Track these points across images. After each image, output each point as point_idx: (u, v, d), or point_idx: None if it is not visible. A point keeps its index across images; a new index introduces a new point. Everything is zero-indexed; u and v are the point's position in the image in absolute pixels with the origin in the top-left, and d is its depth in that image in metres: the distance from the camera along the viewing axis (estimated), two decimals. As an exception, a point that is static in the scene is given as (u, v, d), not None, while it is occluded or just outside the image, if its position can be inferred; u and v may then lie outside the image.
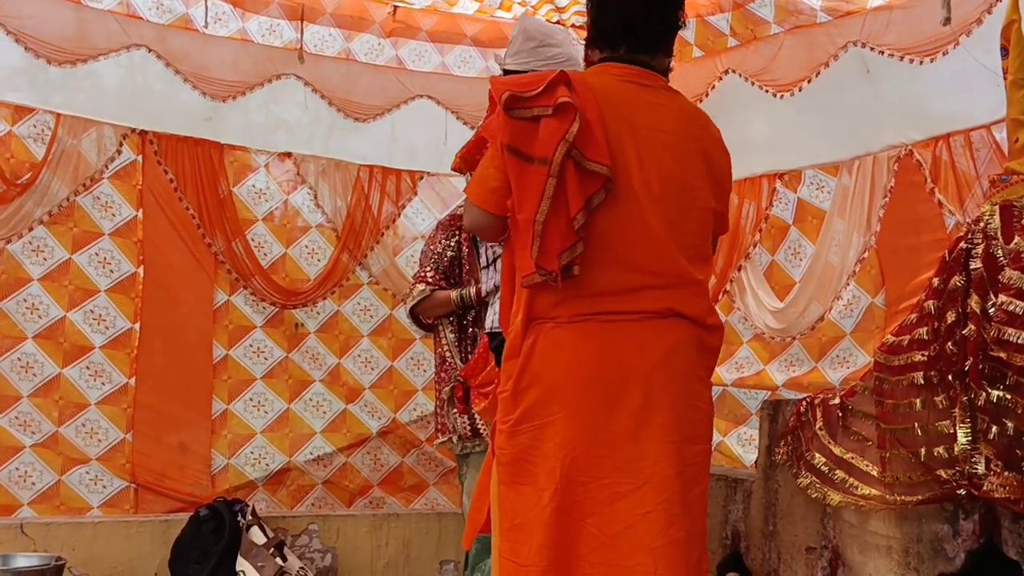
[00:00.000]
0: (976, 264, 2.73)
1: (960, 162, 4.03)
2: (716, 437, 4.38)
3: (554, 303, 2.28)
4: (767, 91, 4.79)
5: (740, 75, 4.93)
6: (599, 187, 2.23)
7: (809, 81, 4.60)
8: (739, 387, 4.88)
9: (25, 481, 4.51)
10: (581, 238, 2.22)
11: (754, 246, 4.97)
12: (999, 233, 2.72)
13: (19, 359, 4.56)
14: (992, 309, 2.65)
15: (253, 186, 5.18)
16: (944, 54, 4.01)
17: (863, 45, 4.34)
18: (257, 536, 4.15)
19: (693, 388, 2.37)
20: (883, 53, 4.25)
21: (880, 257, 4.40)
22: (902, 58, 4.19)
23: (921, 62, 4.10)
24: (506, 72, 3.27)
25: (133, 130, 4.85)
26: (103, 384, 4.73)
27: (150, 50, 4.86)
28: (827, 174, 4.69)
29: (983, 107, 3.88)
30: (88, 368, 4.70)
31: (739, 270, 5.01)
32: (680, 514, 2.25)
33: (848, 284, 4.50)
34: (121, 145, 4.82)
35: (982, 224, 2.78)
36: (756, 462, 3.83)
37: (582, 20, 5.47)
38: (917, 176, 4.22)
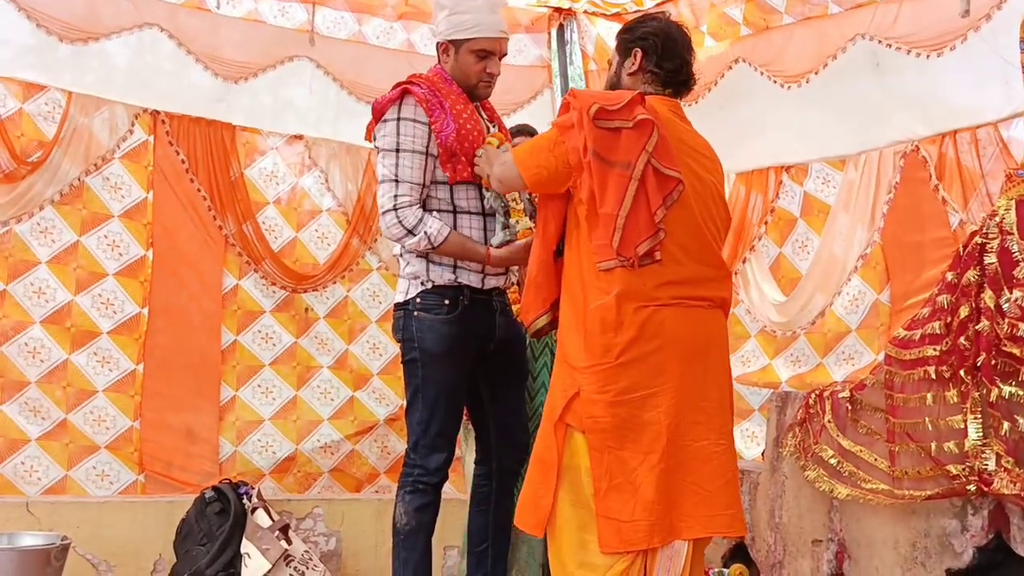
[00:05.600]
0: (991, 259, 2.72)
1: (966, 159, 4.01)
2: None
3: (654, 286, 2.62)
4: (775, 81, 4.77)
5: (750, 64, 4.90)
6: (673, 189, 2.63)
7: (817, 73, 4.58)
8: (743, 383, 4.88)
9: (31, 475, 4.48)
10: (662, 229, 2.61)
11: (759, 239, 4.95)
12: (1015, 228, 2.71)
13: (26, 344, 4.52)
14: (1006, 304, 2.64)
15: (264, 168, 5.16)
16: (952, 48, 3.99)
17: (872, 38, 4.30)
18: (262, 519, 4.14)
19: (729, 367, 2.86)
20: (891, 46, 4.23)
21: (885, 253, 4.39)
22: (909, 51, 4.16)
23: (929, 56, 4.08)
24: (438, 44, 3.35)
25: (145, 110, 4.81)
26: (110, 371, 4.69)
27: (162, 29, 4.83)
28: (833, 168, 4.66)
29: (991, 104, 3.87)
30: (96, 354, 4.67)
31: (744, 262, 4.99)
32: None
33: (850, 279, 4.48)
34: (133, 125, 4.79)
35: (997, 219, 2.77)
36: (763, 454, 3.82)
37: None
38: (922, 172, 4.21)
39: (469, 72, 3.26)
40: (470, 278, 3.22)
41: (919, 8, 4.15)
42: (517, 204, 3.22)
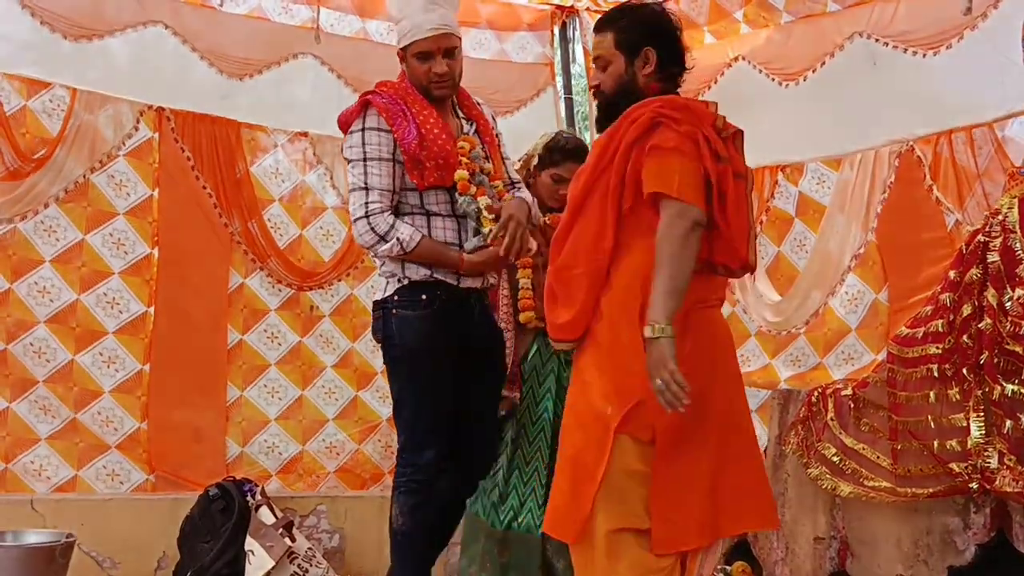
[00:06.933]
0: (994, 257, 2.73)
1: (961, 159, 4.00)
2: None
3: (712, 288, 2.65)
4: (774, 79, 4.76)
5: (749, 62, 4.89)
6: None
7: (814, 71, 4.57)
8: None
9: (41, 474, 4.47)
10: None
11: (755, 237, 4.94)
12: (1017, 226, 2.72)
13: (31, 344, 4.49)
14: (1009, 303, 2.65)
15: (269, 166, 5.15)
16: (948, 47, 3.98)
17: (869, 36, 4.30)
18: (266, 516, 4.15)
19: (738, 361, 2.87)
20: (888, 44, 4.22)
21: (882, 253, 4.38)
22: (906, 50, 4.15)
23: (925, 55, 4.07)
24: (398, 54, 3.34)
25: (150, 107, 4.79)
26: (116, 371, 4.67)
27: (166, 26, 4.81)
28: (829, 167, 4.65)
29: (987, 104, 3.87)
30: (101, 354, 4.64)
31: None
32: None
33: (845, 278, 4.47)
34: (138, 122, 4.77)
35: (1000, 217, 2.78)
36: (765, 451, 3.82)
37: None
38: (918, 172, 4.20)
39: (418, 76, 3.24)
40: (446, 275, 3.20)
41: (917, 6, 4.14)
42: (487, 215, 3.18)
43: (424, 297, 3.17)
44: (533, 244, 3.27)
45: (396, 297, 3.19)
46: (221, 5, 4.95)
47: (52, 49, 4.54)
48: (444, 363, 3.21)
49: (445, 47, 3.21)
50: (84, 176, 4.63)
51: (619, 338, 2.57)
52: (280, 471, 5.01)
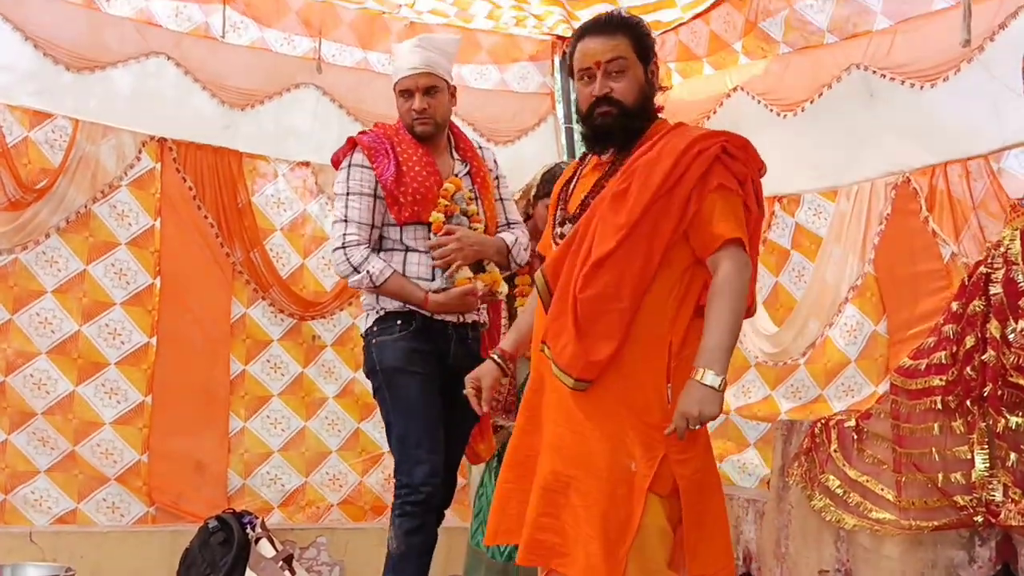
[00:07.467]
0: (996, 289, 2.72)
1: (956, 191, 4.00)
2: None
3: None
4: (772, 110, 4.77)
5: (748, 92, 4.91)
6: None
7: (812, 102, 4.58)
8: (743, 415, 4.86)
9: (41, 505, 4.46)
10: None
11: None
12: (1020, 258, 2.71)
13: (31, 375, 4.49)
14: (1012, 335, 2.64)
15: (270, 195, 5.17)
16: (945, 79, 3.99)
17: (867, 68, 4.31)
18: (266, 549, 4.14)
19: None
20: (885, 76, 4.23)
21: (880, 285, 4.37)
22: (903, 82, 4.16)
23: (923, 87, 4.08)
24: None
25: (152, 137, 4.82)
26: (118, 403, 4.66)
27: (168, 58, 4.84)
28: (825, 198, 4.65)
29: (982, 136, 3.87)
30: (103, 385, 4.64)
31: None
32: None
33: (842, 310, 4.46)
34: (140, 152, 4.79)
35: (1002, 249, 2.77)
36: (769, 482, 3.80)
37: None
38: (913, 204, 4.19)
39: (403, 113, 3.46)
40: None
41: (914, 38, 4.16)
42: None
43: (399, 323, 3.32)
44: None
45: (375, 328, 3.37)
46: (223, 36, 4.97)
47: (54, 80, 4.57)
48: (424, 379, 3.28)
49: (424, 85, 3.39)
50: (86, 206, 4.65)
51: (642, 387, 2.43)
52: (282, 503, 4.99)
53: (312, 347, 5.17)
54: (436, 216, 3.33)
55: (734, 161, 2.44)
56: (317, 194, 5.26)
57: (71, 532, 4.36)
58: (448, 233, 3.31)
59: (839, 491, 3.19)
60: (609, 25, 2.55)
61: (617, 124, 2.52)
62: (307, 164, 5.24)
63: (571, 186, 2.68)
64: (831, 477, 3.24)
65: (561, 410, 2.49)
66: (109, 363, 4.67)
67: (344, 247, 3.29)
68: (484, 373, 2.79)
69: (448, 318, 3.35)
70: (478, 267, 3.39)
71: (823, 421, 3.41)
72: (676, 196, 2.40)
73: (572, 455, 2.45)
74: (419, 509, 3.23)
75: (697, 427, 2.30)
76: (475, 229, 3.39)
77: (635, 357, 2.42)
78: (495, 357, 2.80)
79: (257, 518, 4.33)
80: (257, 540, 4.17)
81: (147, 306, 4.78)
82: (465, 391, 2.79)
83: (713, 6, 4.87)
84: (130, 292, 4.74)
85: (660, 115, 2.62)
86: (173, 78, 4.88)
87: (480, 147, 3.65)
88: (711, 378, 2.29)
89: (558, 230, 2.62)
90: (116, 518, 4.58)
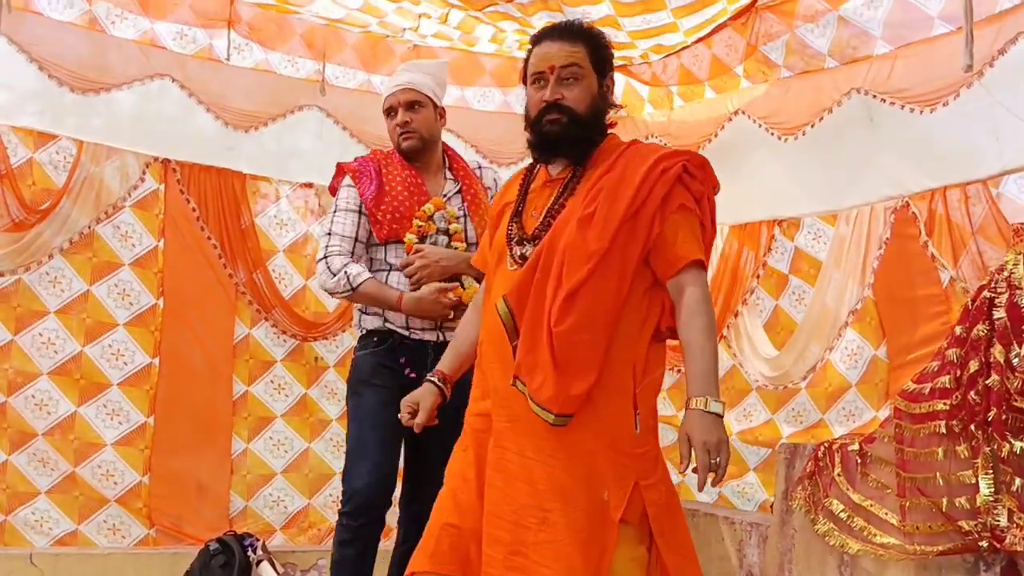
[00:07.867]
0: (1000, 313, 2.72)
1: (955, 216, 4.00)
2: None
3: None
4: (773, 133, 4.79)
5: (749, 116, 4.93)
6: None
7: (813, 126, 4.60)
8: (744, 439, 4.85)
9: (41, 527, 4.45)
10: None
11: (751, 292, 4.93)
12: (1023, 283, 2.71)
13: (33, 396, 4.49)
14: (1016, 359, 2.63)
15: (273, 216, 5.18)
16: (945, 104, 4.00)
17: (867, 92, 4.33)
18: (267, 572, 4.13)
19: None
20: (885, 100, 4.25)
21: (879, 309, 4.37)
22: (903, 106, 4.18)
23: (922, 111, 4.09)
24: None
25: (156, 158, 4.84)
26: (120, 424, 4.66)
27: (173, 79, 4.87)
28: (825, 222, 4.66)
29: (981, 161, 3.87)
30: (105, 406, 4.64)
31: (736, 316, 4.97)
32: None
33: (842, 334, 4.46)
34: (144, 173, 4.81)
35: (1006, 273, 2.77)
36: (772, 506, 3.79)
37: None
38: (912, 228, 4.19)
39: (390, 133, 3.57)
40: (398, 326, 3.40)
41: (914, 63, 4.17)
42: None
43: (375, 339, 3.43)
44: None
45: (357, 346, 3.53)
46: (228, 59, 4.99)
47: (59, 101, 4.60)
48: (386, 392, 3.29)
49: (406, 100, 3.49)
50: (89, 227, 4.66)
51: (613, 415, 2.35)
52: (284, 525, 4.97)
53: (314, 368, 5.17)
54: (409, 237, 3.41)
55: (693, 180, 2.41)
56: (320, 215, 5.26)
57: (71, 554, 4.34)
58: (417, 252, 3.37)
59: (843, 515, 3.18)
60: (568, 32, 2.49)
61: (565, 133, 2.44)
62: (310, 185, 5.25)
63: (521, 202, 2.57)
64: (835, 501, 3.23)
65: (530, 438, 2.36)
66: (111, 384, 4.66)
67: (326, 257, 3.41)
68: (422, 396, 2.73)
69: (427, 336, 3.39)
70: (454, 282, 3.41)
71: (827, 445, 3.40)
72: (641, 218, 2.35)
73: (547, 488, 2.31)
74: (352, 521, 3.33)
75: (717, 459, 2.24)
76: (455, 247, 3.43)
77: (604, 384, 2.33)
78: (435, 381, 2.74)
79: (258, 540, 4.31)
80: (258, 563, 4.16)
81: (150, 327, 4.78)
82: (399, 415, 2.74)
83: (716, 31, 4.89)
84: (133, 313, 4.75)
85: (611, 131, 2.55)
86: (177, 99, 4.90)
87: (480, 167, 3.72)
88: (715, 405, 2.25)
89: (516, 250, 2.48)
90: (117, 540, 4.56)
